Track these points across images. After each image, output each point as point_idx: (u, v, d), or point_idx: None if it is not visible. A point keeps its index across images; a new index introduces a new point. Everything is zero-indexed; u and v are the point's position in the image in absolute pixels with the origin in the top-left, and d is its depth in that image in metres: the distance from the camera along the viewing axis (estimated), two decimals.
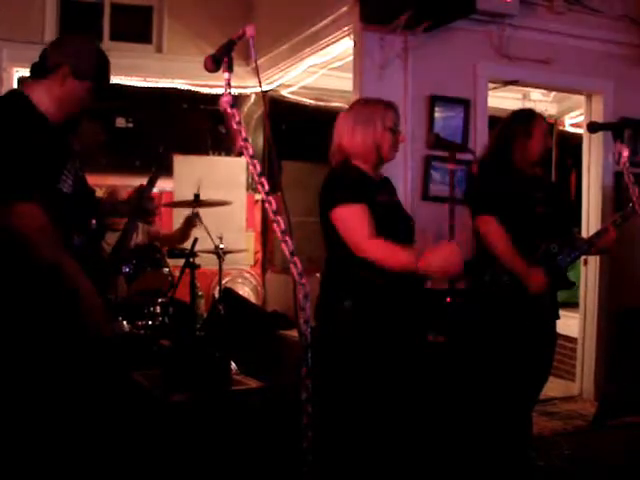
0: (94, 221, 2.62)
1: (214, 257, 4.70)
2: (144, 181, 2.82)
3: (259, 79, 2.10)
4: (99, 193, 3.81)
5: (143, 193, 2.74)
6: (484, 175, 3.33)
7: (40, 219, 2.13)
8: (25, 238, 2.12)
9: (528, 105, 6.50)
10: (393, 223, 2.70)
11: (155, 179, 2.85)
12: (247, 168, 5.96)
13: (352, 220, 2.54)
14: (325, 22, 4.63)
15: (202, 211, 4.58)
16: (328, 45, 4.76)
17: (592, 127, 3.35)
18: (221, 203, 4.66)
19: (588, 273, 5.07)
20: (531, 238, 3.19)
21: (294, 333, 4.31)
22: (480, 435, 3.23)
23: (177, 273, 4.33)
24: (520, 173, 3.25)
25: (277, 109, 5.89)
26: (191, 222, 4.53)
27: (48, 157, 2.24)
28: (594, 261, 4.97)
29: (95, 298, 2.25)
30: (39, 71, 2.36)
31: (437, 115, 4.48)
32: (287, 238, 1.83)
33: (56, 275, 2.17)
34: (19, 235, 2.11)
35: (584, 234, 4.80)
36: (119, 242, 2.77)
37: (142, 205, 2.74)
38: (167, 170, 5.54)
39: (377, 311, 2.61)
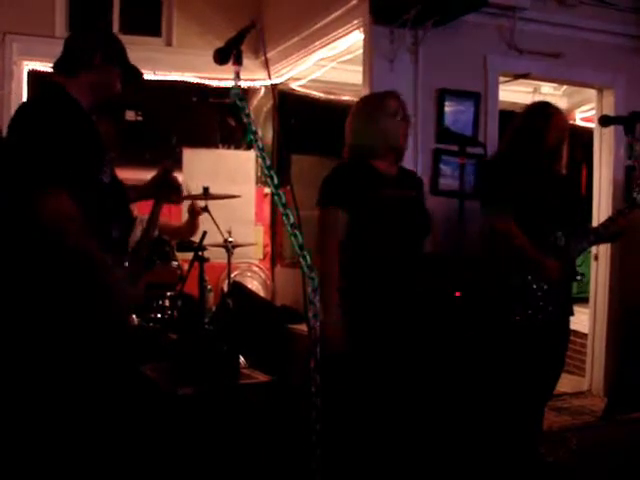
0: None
1: (223, 251, 4.69)
2: (154, 174, 2.82)
3: (269, 72, 2.08)
4: None
5: (167, 173, 2.74)
6: (498, 174, 3.29)
7: (69, 209, 2.14)
8: (54, 227, 2.13)
9: (538, 99, 6.47)
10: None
11: (171, 169, 2.84)
12: (256, 161, 5.96)
13: None
14: (335, 15, 4.60)
15: (211, 204, 4.57)
16: (338, 38, 4.73)
17: (604, 121, 3.33)
18: (230, 196, 4.65)
19: (599, 269, 5.04)
20: (539, 229, 3.16)
21: (303, 327, 4.30)
22: (491, 431, 3.22)
23: (186, 266, 4.33)
24: (536, 171, 3.20)
25: (286, 102, 5.86)
26: (194, 211, 4.53)
27: (90, 148, 2.27)
28: (605, 256, 4.94)
29: (127, 286, 2.28)
30: (68, 64, 2.38)
31: (447, 109, 4.46)
32: (297, 232, 1.82)
33: (82, 265, 2.18)
34: (48, 224, 2.13)
35: None
36: (145, 230, 2.76)
37: (168, 183, 2.73)
38: (177, 162, 5.52)
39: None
